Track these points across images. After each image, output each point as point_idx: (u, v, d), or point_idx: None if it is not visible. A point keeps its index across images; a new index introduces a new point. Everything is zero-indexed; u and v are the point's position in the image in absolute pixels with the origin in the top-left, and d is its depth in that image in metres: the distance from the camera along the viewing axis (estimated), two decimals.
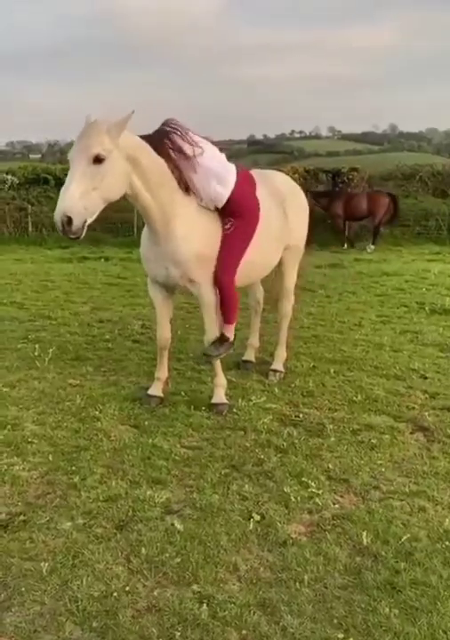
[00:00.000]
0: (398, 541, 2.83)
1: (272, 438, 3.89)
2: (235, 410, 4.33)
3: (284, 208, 4.73)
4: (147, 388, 4.57)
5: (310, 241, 5.36)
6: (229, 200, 4.10)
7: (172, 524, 2.93)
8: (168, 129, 3.96)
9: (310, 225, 5.17)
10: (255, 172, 4.68)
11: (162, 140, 3.91)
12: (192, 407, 4.35)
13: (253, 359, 5.40)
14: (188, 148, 3.94)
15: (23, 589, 2.49)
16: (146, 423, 4.09)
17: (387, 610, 2.39)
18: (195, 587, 2.51)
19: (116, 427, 4.05)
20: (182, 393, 4.63)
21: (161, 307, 4.45)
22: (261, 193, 4.44)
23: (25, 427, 4.03)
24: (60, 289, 9.01)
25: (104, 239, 14.38)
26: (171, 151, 3.91)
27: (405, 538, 2.84)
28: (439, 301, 7.94)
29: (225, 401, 4.39)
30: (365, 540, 2.82)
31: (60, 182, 3.58)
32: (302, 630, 2.29)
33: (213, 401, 4.38)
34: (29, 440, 3.81)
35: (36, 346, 5.71)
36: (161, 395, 4.50)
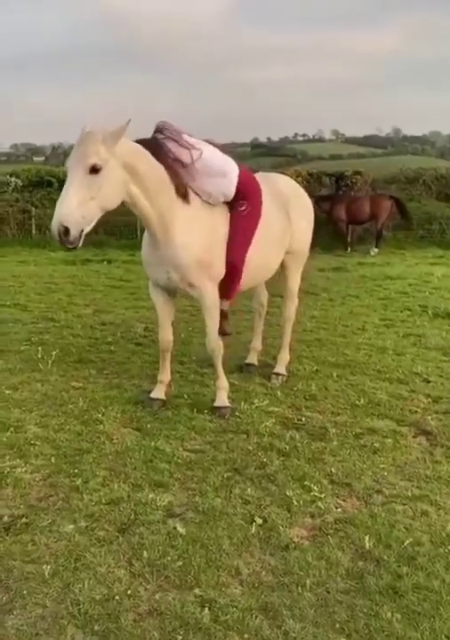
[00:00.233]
0: (401, 546, 2.82)
1: (275, 442, 3.88)
2: (237, 413, 4.33)
3: (287, 211, 4.73)
4: (149, 391, 4.57)
5: (314, 244, 5.36)
6: (237, 188, 4.17)
7: (175, 528, 2.93)
8: (163, 136, 3.95)
9: (314, 228, 5.17)
10: (259, 175, 4.68)
11: (160, 149, 3.91)
12: (195, 410, 4.35)
13: (255, 362, 5.39)
14: (185, 156, 3.94)
15: (25, 592, 2.49)
16: (148, 426, 4.09)
17: (389, 614, 2.38)
18: (197, 590, 2.51)
19: (119, 429, 4.05)
20: (185, 396, 4.63)
21: (162, 309, 4.46)
22: (264, 195, 4.45)
23: (28, 429, 4.03)
24: (63, 291, 9.02)
25: (107, 242, 14.38)
26: (169, 160, 3.91)
27: (407, 542, 2.84)
28: (442, 305, 7.91)
29: (228, 404, 4.39)
30: (367, 545, 2.81)
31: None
32: (304, 635, 2.29)
33: (216, 404, 4.38)
34: (32, 442, 3.81)
35: (39, 348, 5.72)
36: (163, 398, 4.51)
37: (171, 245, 4.02)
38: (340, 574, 2.63)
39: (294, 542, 2.85)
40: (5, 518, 2.99)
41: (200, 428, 4.07)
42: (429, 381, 5.04)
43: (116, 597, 2.45)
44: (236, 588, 2.54)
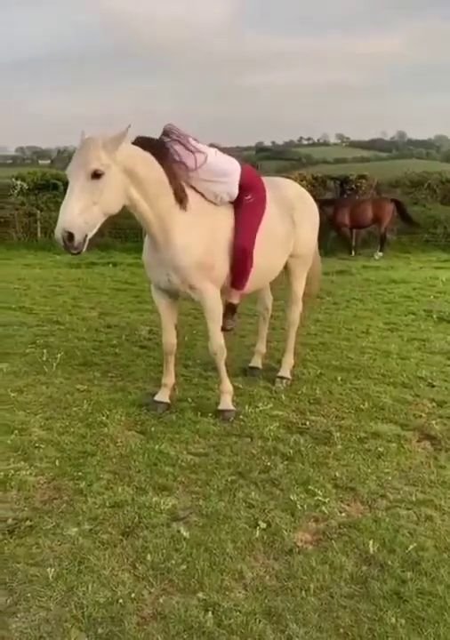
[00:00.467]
0: (405, 551, 2.81)
1: (279, 445, 3.88)
2: (241, 417, 4.33)
3: (291, 215, 4.73)
4: (154, 394, 4.57)
5: (318, 248, 5.36)
6: (240, 184, 4.22)
7: (178, 531, 2.93)
8: (169, 140, 4.00)
9: (318, 232, 5.17)
10: (263, 179, 4.68)
11: (166, 152, 3.95)
12: (199, 413, 4.35)
13: (259, 366, 5.40)
14: (190, 160, 4.00)
15: (29, 595, 2.49)
16: (152, 429, 4.09)
17: (393, 620, 2.38)
18: (200, 594, 2.51)
19: (123, 432, 4.05)
20: (189, 399, 4.63)
21: (165, 312, 4.47)
22: (268, 199, 4.47)
23: (32, 432, 4.04)
24: (68, 294, 9.04)
25: (112, 245, 14.43)
26: (173, 164, 3.95)
27: (411, 547, 2.83)
28: (447, 309, 7.91)
29: (232, 408, 4.39)
30: (371, 549, 2.81)
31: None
32: (308, 639, 2.28)
33: (220, 407, 4.38)
34: (36, 445, 3.82)
35: (44, 351, 5.73)
36: (168, 401, 4.51)
37: (171, 248, 4.04)
38: (344, 579, 2.63)
39: (298, 546, 2.85)
40: (10, 521, 3.00)
41: (204, 432, 4.07)
42: (433, 386, 5.03)
43: (120, 601, 2.45)
44: (239, 592, 2.54)
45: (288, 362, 5.20)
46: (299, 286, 5.11)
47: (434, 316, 7.56)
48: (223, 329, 4.39)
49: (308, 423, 4.25)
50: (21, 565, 2.67)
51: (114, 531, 2.94)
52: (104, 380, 5.07)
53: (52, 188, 16.73)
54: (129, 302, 8.48)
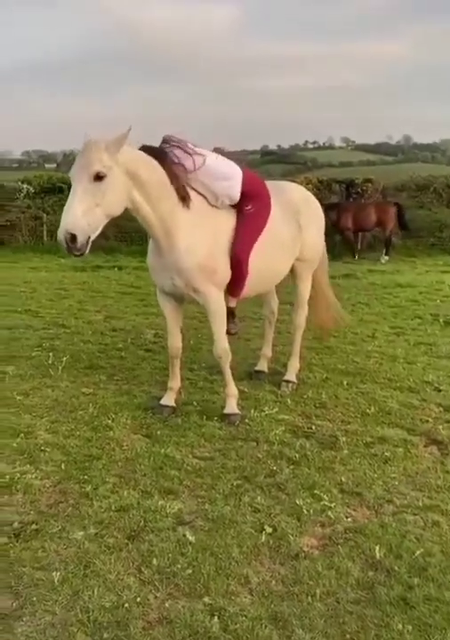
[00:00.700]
0: (412, 556, 2.80)
1: (284, 450, 3.87)
2: (247, 420, 4.32)
3: (297, 219, 4.73)
4: (159, 398, 4.57)
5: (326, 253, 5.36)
6: (242, 191, 4.22)
7: (184, 535, 2.92)
8: (168, 146, 4.05)
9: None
10: (268, 184, 4.69)
11: (165, 156, 3.99)
12: (204, 417, 4.34)
13: (265, 369, 5.39)
14: (189, 162, 4.04)
15: (34, 599, 2.49)
16: (158, 433, 4.09)
17: (400, 626, 2.36)
18: (206, 599, 2.50)
19: (129, 436, 4.05)
20: (195, 403, 4.63)
21: (170, 316, 4.48)
22: (273, 203, 4.48)
23: (38, 435, 4.04)
24: (73, 297, 9.06)
25: (118, 248, 14.44)
26: (173, 166, 3.98)
27: (418, 553, 2.81)
28: None
29: (237, 411, 4.39)
30: (378, 555, 2.79)
31: None
32: None
33: (226, 411, 4.38)
34: (42, 448, 3.83)
35: (50, 354, 5.74)
36: (173, 404, 4.51)
37: (174, 250, 4.05)
38: (350, 584, 2.61)
39: (304, 551, 2.84)
40: (15, 524, 3.00)
41: (210, 436, 4.07)
42: (440, 390, 5.01)
43: (126, 605, 2.45)
44: (245, 597, 2.53)
45: (294, 365, 5.20)
46: (305, 289, 5.11)
47: (440, 321, 7.53)
48: (227, 333, 4.40)
49: (314, 427, 4.24)
50: (27, 569, 2.67)
51: (119, 535, 2.93)
52: (110, 384, 5.07)
53: (58, 192, 16.73)
54: (134, 306, 8.49)
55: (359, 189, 16.62)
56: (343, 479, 3.52)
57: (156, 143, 4.10)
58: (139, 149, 3.96)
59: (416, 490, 3.44)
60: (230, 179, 4.22)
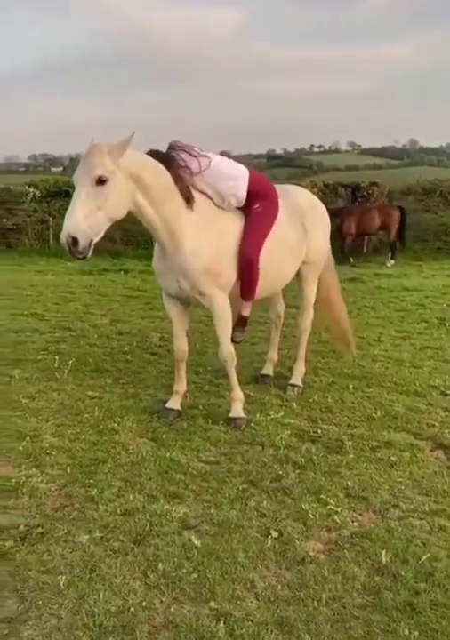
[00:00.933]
0: (418, 561, 2.78)
1: (290, 454, 3.86)
2: (253, 424, 4.31)
3: (303, 223, 4.73)
4: (165, 402, 4.58)
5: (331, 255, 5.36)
6: (249, 191, 4.23)
7: (190, 540, 2.92)
8: (175, 150, 4.10)
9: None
10: (275, 187, 4.69)
11: (171, 160, 4.02)
12: (210, 421, 4.34)
13: (271, 373, 5.38)
14: (195, 165, 4.07)
15: (40, 602, 2.49)
16: (164, 436, 4.09)
17: (406, 631, 2.35)
18: (212, 603, 2.50)
19: (134, 440, 4.05)
20: (200, 406, 4.63)
21: (176, 319, 4.48)
22: (280, 206, 4.48)
23: (44, 438, 4.05)
24: (79, 301, 9.08)
25: (124, 252, 14.48)
26: (179, 169, 4.02)
27: (425, 557, 2.80)
28: None
29: (243, 415, 4.38)
30: (384, 559, 2.78)
31: None
32: None
33: (231, 415, 4.37)
34: (48, 452, 3.83)
35: (56, 357, 5.76)
36: (179, 408, 4.51)
37: (180, 253, 4.06)
38: (356, 589, 2.60)
39: (310, 556, 2.83)
40: (21, 528, 3.00)
41: (215, 440, 4.06)
42: (446, 394, 4.99)
43: (131, 609, 2.45)
44: (251, 602, 2.52)
45: (300, 369, 5.19)
46: (311, 292, 5.10)
47: (447, 325, 7.51)
48: (232, 341, 4.39)
49: (319, 432, 4.23)
50: (33, 573, 2.67)
51: (125, 538, 2.93)
52: (115, 387, 5.08)
53: (64, 196, 16.77)
54: (140, 309, 8.50)
55: (365, 193, 16.60)
56: (349, 483, 3.51)
57: (161, 147, 4.13)
58: (146, 154, 3.97)
59: (422, 494, 3.42)
60: (236, 179, 4.23)
